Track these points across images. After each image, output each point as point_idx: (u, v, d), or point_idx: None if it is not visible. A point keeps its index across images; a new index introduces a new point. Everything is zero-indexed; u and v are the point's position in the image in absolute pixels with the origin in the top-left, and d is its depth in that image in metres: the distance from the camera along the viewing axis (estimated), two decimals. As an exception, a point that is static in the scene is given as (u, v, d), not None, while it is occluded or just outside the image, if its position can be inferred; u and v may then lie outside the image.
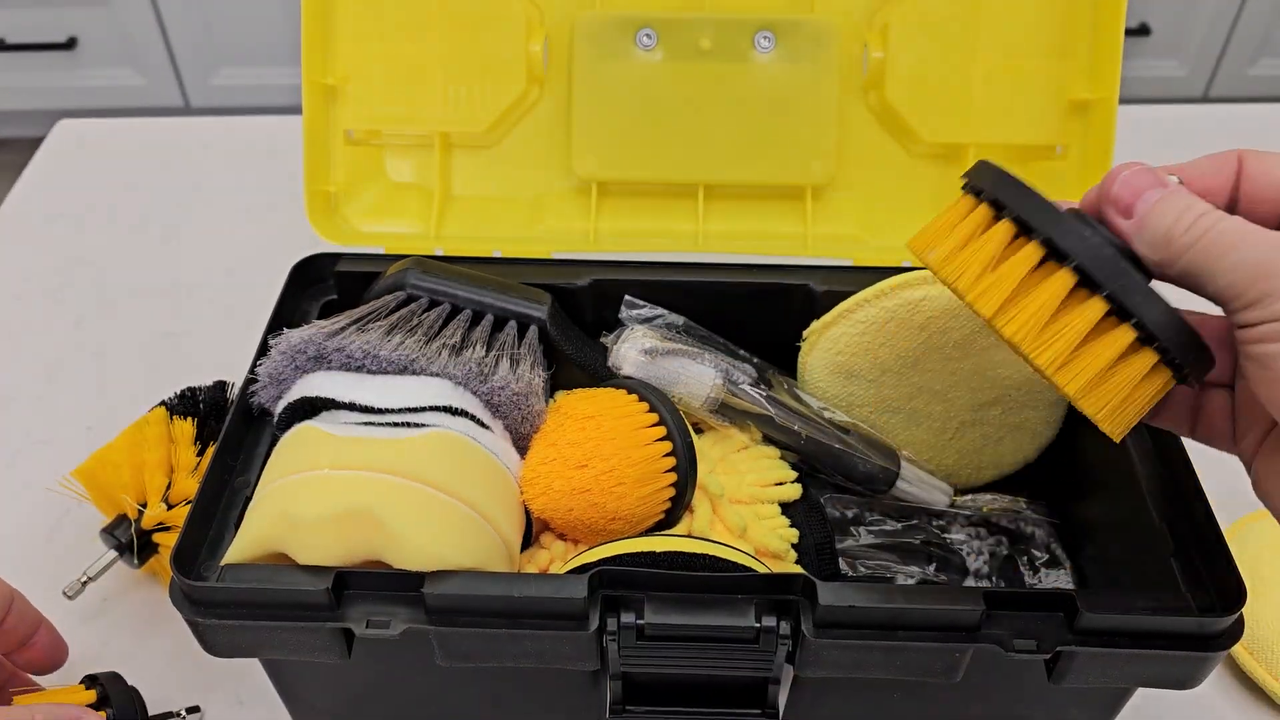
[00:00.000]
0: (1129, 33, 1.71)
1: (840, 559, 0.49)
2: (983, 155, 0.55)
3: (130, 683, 0.47)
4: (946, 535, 0.51)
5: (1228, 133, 0.85)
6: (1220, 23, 1.70)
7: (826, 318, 0.50)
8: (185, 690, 0.50)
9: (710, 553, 0.40)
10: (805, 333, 0.51)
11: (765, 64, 0.55)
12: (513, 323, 0.48)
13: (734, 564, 0.39)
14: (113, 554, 0.50)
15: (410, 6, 0.54)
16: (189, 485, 0.51)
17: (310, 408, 0.43)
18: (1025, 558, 0.50)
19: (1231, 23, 1.70)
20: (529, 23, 0.54)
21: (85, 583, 0.50)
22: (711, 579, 0.38)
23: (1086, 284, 0.34)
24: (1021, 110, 0.54)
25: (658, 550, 0.40)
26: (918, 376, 0.49)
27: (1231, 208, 0.36)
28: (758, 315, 0.53)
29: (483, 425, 0.43)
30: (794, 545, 0.47)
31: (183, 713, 0.49)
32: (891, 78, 0.54)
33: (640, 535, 0.43)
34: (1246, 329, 0.32)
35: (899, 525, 0.51)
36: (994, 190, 0.36)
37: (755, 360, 0.52)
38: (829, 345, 0.49)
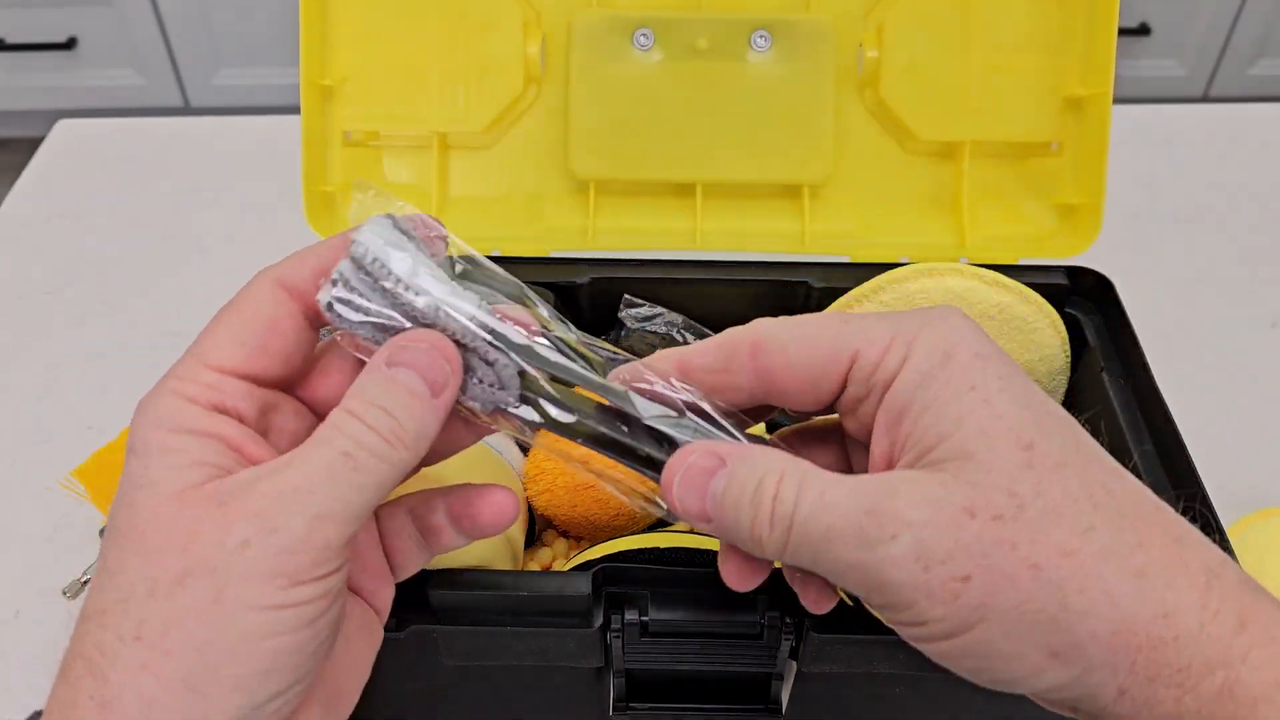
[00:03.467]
0: (1129, 32, 1.71)
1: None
2: (978, 152, 0.56)
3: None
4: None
5: (1227, 133, 0.85)
6: (1220, 22, 1.70)
7: None
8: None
9: (714, 548, 0.40)
10: None
11: (762, 63, 0.55)
12: (513, 321, 0.48)
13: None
14: (115, 554, 0.51)
15: (407, 7, 0.54)
16: (191, 485, 0.51)
17: (312, 407, 0.43)
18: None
19: (1231, 22, 1.70)
20: (526, 23, 0.54)
21: (85, 583, 0.50)
22: (715, 575, 0.38)
23: None
24: (1016, 107, 0.55)
25: (661, 546, 0.40)
26: None
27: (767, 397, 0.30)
28: (757, 313, 0.53)
29: (484, 423, 0.43)
30: (794, 542, 0.47)
31: None
32: (887, 76, 0.54)
33: (643, 531, 0.44)
34: (892, 625, 0.27)
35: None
36: None
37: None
38: None
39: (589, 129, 0.55)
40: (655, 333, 0.53)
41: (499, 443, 0.43)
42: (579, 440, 0.30)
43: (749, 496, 0.27)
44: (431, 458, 0.32)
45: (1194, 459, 0.43)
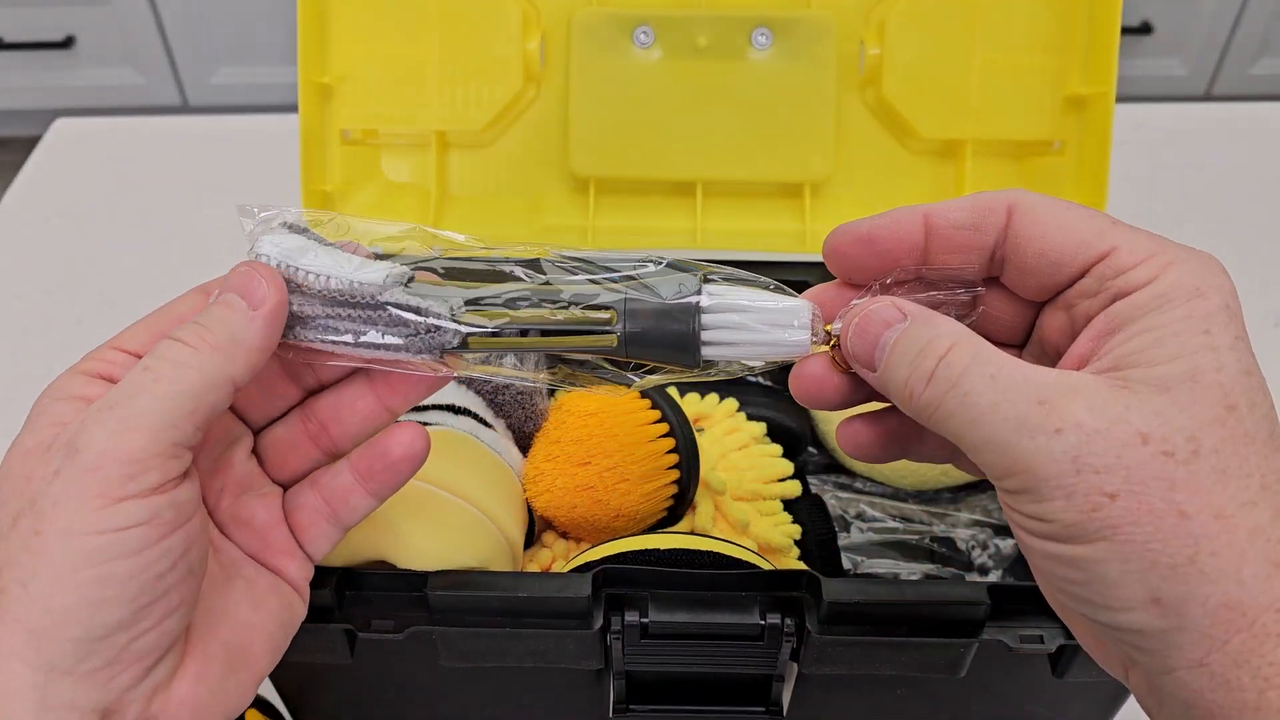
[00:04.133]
0: (1131, 31, 1.71)
1: (842, 556, 0.49)
2: (980, 151, 0.56)
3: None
4: (949, 533, 0.51)
5: (1229, 132, 0.85)
6: (1222, 21, 1.70)
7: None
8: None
9: (714, 549, 0.40)
10: None
11: (762, 61, 0.54)
12: (513, 321, 0.48)
13: (738, 561, 0.39)
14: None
15: (406, 5, 0.54)
16: (189, 485, 0.51)
17: (311, 407, 0.43)
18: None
19: (1233, 22, 1.70)
20: (525, 21, 0.54)
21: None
22: (715, 576, 0.38)
23: None
24: (1018, 106, 0.54)
25: (661, 548, 0.40)
26: None
27: (999, 267, 0.30)
28: (758, 312, 0.53)
29: (485, 424, 0.43)
30: (796, 541, 0.47)
31: None
32: (888, 74, 0.54)
33: (643, 533, 0.43)
34: (1009, 510, 0.27)
35: (900, 522, 0.51)
36: None
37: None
38: None
39: (588, 127, 0.55)
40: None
41: (497, 443, 0.43)
42: (529, 349, 0.32)
43: (915, 351, 0.27)
44: (343, 440, 0.33)
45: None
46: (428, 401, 0.42)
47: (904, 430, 0.32)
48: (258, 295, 0.30)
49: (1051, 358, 0.30)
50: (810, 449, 0.55)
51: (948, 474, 0.52)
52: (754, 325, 0.31)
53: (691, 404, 0.51)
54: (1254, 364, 0.27)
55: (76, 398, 0.29)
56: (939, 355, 0.27)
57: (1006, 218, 0.29)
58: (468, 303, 0.30)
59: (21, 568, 0.26)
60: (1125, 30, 1.68)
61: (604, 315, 0.30)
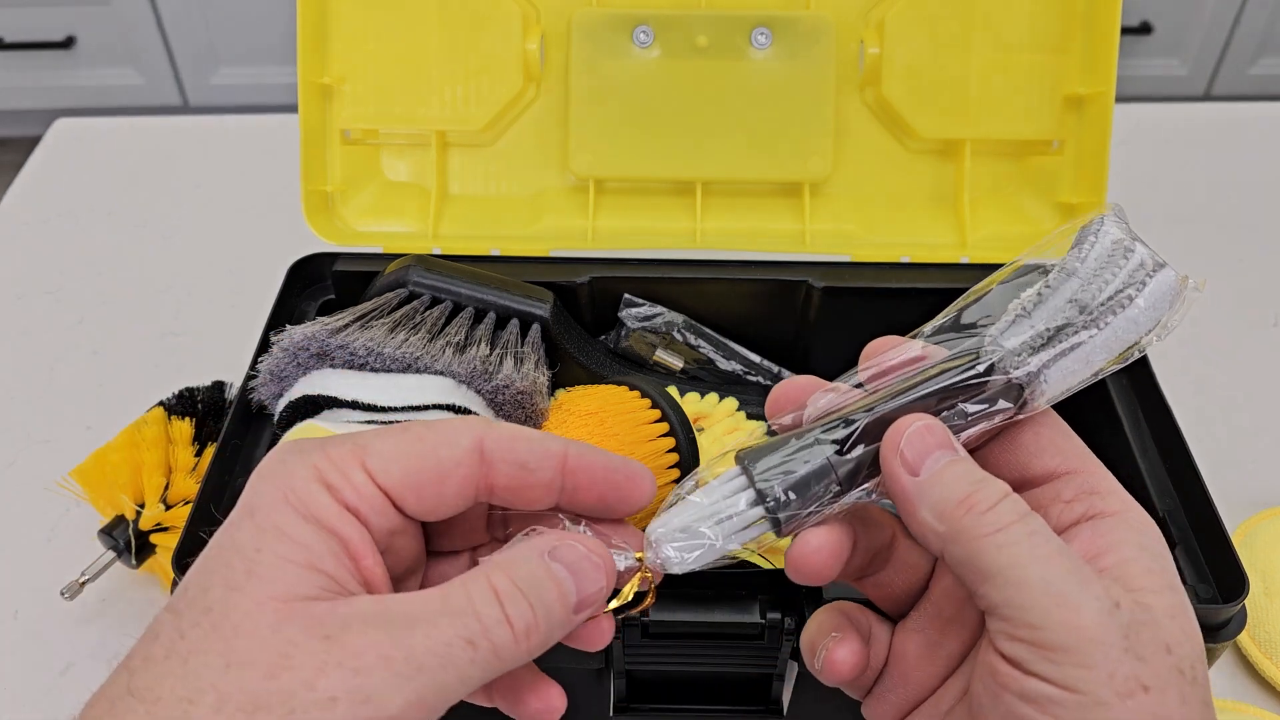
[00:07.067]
0: (1130, 31, 1.71)
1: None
2: (979, 150, 0.56)
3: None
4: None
5: (1229, 132, 0.85)
6: (1221, 21, 1.70)
7: None
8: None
9: (712, 550, 0.40)
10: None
11: (762, 61, 0.55)
12: (515, 321, 0.48)
13: (738, 560, 0.39)
14: (111, 554, 0.50)
15: (406, 6, 0.54)
16: (187, 486, 0.51)
17: (312, 406, 0.43)
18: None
19: (1233, 21, 1.70)
20: (525, 21, 0.54)
21: (83, 583, 0.50)
22: (716, 575, 0.37)
23: None
24: (1018, 105, 0.54)
25: (660, 547, 0.40)
26: None
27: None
28: (757, 312, 0.53)
29: (484, 423, 0.43)
30: (795, 542, 0.46)
31: None
32: (888, 74, 0.54)
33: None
34: (1000, 658, 0.27)
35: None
36: None
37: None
38: None
39: (588, 127, 0.55)
40: (655, 332, 0.53)
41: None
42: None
43: (976, 479, 0.27)
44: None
45: (1196, 459, 0.43)
46: (427, 401, 0.42)
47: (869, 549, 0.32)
48: (590, 598, 0.27)
49: (942, 620, 0.31)
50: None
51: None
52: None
53: (691, 404, 0.51)
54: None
55: (327, 528, 0.26)
56: (1004, 490, 0.27)
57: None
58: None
59: None
60: (1125, 30, 1.68)
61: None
